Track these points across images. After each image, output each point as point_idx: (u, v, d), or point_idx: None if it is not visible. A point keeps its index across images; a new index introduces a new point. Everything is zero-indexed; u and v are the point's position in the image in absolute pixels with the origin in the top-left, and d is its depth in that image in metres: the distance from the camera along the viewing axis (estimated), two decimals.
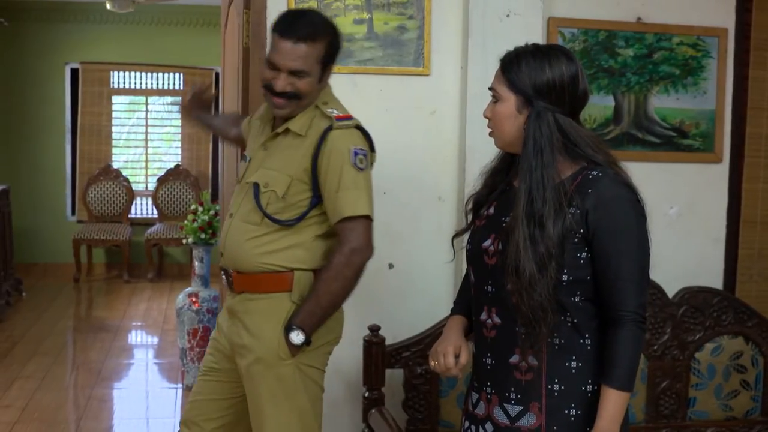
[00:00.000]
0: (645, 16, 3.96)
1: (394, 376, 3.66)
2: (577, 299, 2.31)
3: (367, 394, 3.52)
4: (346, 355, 3.74)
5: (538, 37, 3.75)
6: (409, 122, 3.81)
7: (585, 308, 2.32)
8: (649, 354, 3.77)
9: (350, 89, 3.72)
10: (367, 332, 3.51)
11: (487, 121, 2.42)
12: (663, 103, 4.01)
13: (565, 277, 2.29)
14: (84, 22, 10.49)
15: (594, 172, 2.31)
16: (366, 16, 3.75)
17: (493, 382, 2.43)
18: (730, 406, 3.86)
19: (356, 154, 2.93)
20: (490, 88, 2.42)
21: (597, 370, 2.31)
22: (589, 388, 2.32)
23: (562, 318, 2.31)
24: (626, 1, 3.96)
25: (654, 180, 3.96)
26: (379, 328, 3.52)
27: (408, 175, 3.82)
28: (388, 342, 3.54)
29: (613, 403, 2.25)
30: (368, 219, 2.95)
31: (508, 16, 3.75)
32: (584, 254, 2.29)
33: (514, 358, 2.36)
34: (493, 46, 3.72)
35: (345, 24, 3.71)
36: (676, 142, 4.04)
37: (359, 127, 3.00)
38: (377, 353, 3.49)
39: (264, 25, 3.68)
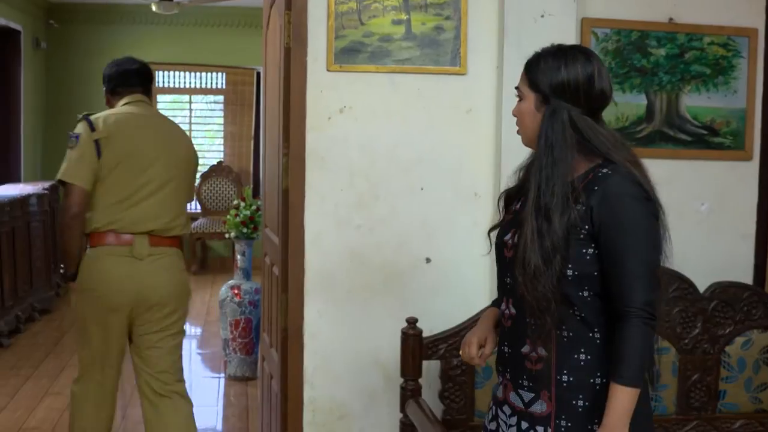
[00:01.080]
0: (677, 16, 3.98)
1: (431, 367, 3.72)
2: (584, 294, 2.34)
3: (404, 385, 3.55)
4: (385, 346, 3.83)
5: (571, 37, 3.78)
6: (445, 120, 3.87)
7: (593, 303, 2.34)
8: (680, 347, 3.80)
9: (388, 88, 3.81)
10: (405, 324, 3.55)
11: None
12: (694, 101, 4.03)
13: (570, 272, 2.32)
14: (130, 23, 10.66)
15: (605, 170, 2.35)
16: (404, 16, 3.81)
17: (510, 369, 2.49)
18: (760, 399, 3.88)
19: (69, 137, 3.97)
20: (516, 87, 2.50)
21: (606, 364, 2.33)
22: (598, 380, 2.34)
23: (571, 311, 2.34)
24: (658, 2, 3.98)
25: (685, 177, 4.01)
26: (416, 320, 3.55)
27: (445, 172, 3.87)
28: (425, 334, 3.58)
29: (620, 399, 2.26)
30: (72, 186, 3.90)
31: (542, 16, 3.79)
32: (591, 250, 2.32)
33: (526, 348, 2.42)
34: (528, 46, 3.73)
35: (384, 24, 3.79)
36: (707, 140, 4.06)
37: (86, 116, 4.02)
38: (415, 345, 3.53)
39: (305, 25, 3.76)
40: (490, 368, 3.57)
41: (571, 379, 2.36)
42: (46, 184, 8.74)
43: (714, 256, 4.08)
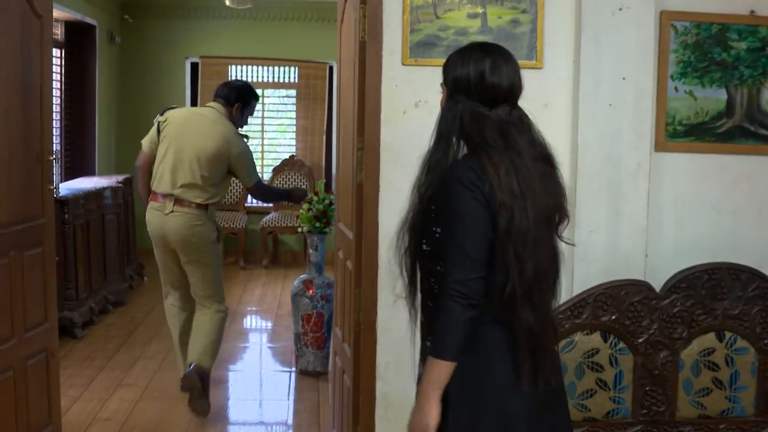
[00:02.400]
0: (758, 8, 3.89)
1: None
2: (441, 269, 2.49)
3: None
4: None
5: (650, 30, 3.75)
6: None
7: None
8: (760, 348, 3.74)
9: None
10: None
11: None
12: None
13: (425, 247, 2.55)
14: (204, 18, 10.79)
15: (460, 158, 2.54)
16: (480, 10, 3.79)
17: None
18: None
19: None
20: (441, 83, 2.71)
21: None
22: None
23: (432, 282, 2.55)
24: None
25: (766, 173, 3.94)
26: None
27: None
28: None
29: (429, 368, 2.46)
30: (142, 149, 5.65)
31: (620, 9, 3.75)
32: (439, 230, 2.50)
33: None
34: (606, 39, 3.75)
35: (459, 18, 3.78)
36: None
37: (165, 108, 5.66)
38: None
39: (380, 19, 3.76)
40: (565, 365, 3.54)
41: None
42: (120, 178, 8.86)
43: None
